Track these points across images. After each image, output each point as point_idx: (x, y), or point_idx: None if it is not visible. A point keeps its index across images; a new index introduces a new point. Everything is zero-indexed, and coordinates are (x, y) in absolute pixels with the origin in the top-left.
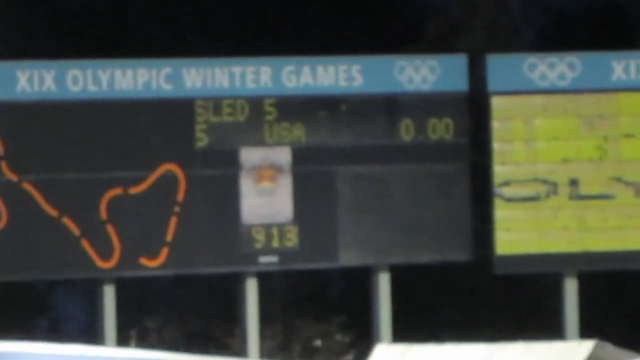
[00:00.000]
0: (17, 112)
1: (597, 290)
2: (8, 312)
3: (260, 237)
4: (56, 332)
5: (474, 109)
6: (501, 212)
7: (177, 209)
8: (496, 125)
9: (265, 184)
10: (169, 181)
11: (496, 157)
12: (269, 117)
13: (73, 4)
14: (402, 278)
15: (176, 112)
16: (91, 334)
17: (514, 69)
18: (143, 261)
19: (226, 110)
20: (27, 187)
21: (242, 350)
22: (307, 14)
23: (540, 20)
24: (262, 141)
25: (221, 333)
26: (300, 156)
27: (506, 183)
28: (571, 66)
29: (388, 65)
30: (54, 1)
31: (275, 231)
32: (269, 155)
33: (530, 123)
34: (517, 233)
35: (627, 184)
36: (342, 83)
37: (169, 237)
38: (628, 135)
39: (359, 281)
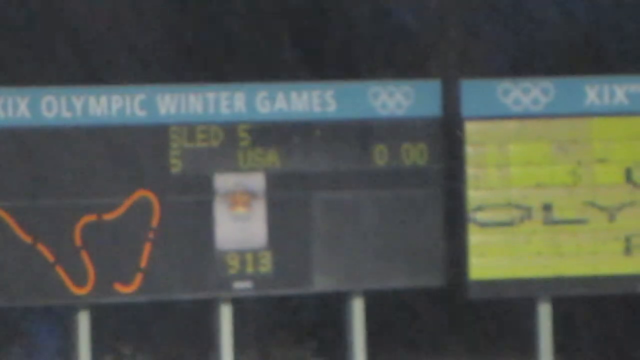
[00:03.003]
0: None
1: (570, 315)
2: None
3: (234, 262)
4: (30, 359)
5: (447, 135)
6: (475, 237)
7: (151, 235)
8: (470, 150)
9: (240, 210)
10: (143, 207)
11: (470, 182)
12: (243, 143)
13: (46, 31)
14: (376, 303)
15: (150, 138)
16: None
17: (487, 94)
18: (117, 287)
19: (200, 136)
20: (1, 213)
21: None
22: (280, 41)
23: (513, 45)
24: (236, 167)
25: (195, 359)
26: (274, 182)
27: (480, 208)
28: (545, 91)
29: (362, 90)
30: (27, 28)
31: (249, 257)
32: (243, 181)
33: (504, 148)
34: (490, 258)
35: (601, 208)
36: (316, 109)
37: (144, 263)
38: (601, 160)
39: (332, 306)
